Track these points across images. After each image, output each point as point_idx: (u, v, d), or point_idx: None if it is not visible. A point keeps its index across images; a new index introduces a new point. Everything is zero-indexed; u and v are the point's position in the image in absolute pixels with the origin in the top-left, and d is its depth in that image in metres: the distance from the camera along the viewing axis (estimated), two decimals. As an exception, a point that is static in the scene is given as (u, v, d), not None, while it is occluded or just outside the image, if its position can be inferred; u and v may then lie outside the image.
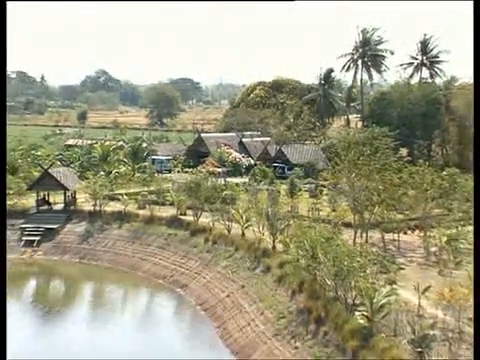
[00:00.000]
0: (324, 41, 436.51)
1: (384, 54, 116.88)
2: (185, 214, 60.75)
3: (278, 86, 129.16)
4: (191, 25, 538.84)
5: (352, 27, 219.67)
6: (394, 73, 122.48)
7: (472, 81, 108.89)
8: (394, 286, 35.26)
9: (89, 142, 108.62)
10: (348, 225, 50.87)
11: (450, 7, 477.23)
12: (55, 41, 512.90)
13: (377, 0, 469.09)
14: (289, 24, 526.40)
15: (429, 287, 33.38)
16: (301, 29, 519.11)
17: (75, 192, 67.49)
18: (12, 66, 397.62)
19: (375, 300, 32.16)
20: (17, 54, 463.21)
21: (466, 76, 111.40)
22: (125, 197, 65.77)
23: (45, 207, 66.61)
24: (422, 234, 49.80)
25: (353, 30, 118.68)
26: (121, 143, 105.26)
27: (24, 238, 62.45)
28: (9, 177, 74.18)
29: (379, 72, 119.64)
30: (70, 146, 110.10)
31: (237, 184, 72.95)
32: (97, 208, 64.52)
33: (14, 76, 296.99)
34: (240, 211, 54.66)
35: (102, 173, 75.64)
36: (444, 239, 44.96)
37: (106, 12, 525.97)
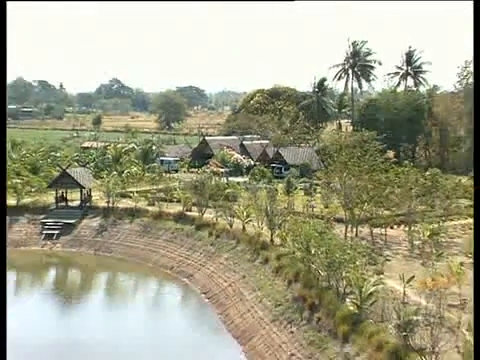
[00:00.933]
0: (318, 52, 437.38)
1: (372, 64, 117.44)
2: (191, 210, 60.77)
3: (276, 93, 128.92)
4: (197, 38, 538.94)
5: (344, 40, 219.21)
6: (382, 82, 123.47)
7: (452, 90, 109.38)
8: (381, 276, 35.29)
9: (103, 144, 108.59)
10: (340, 220, 50.76)
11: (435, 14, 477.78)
12: (73, 52, 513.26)
13: (367, 11, 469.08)
14: (286, 37, 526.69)
15: (413, 277, 33.36)
16: (296, 42, 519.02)
17: (90, 190, 67.54)
18: (34, 75, 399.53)
19: (364, 289, 32.22)
20: (39, 64, 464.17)
21: (447, 85, 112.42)
22: (136, 195, 65.86)
23: (63, 203, 66.63)
24: (407, 229, 49.81)
25: (344, 42, 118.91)
26: (132, 145, 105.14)
27: (44, 232, 62.57)
28: (31, 176, 74.37)
29: (368, 81, 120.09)
30: (86, 148, 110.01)
31: (238, 183, 72.98)
32: (110, 204, 64.58)
33: (36, 84, 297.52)
34: (241, 208, 54.78)
35: (115, 173, 75.58)
36: (427, 233, 44.96)
37: (120, 26, 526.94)
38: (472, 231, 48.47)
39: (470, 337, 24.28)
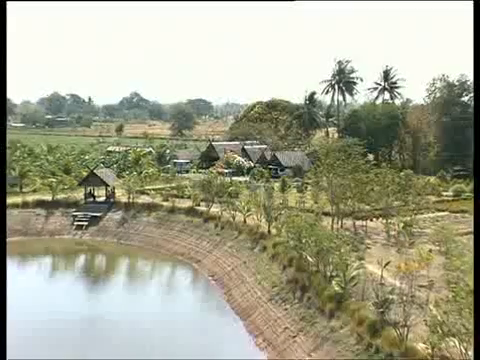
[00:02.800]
0: (309, 70, 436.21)
1: (355, 81, 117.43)
2: (199, 205, 60.59)
3: (273, 105, 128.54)
4: (205, 58, 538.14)
5: (331, 60, 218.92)
6: (363, 95, 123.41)
7: (422, 102, 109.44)
8: (362, 261, 35.34)
9: (125, 149, 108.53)
10: (327, 214, 50.52)
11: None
12: (100, 70, 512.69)
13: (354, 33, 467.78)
14: (281, 57, 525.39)
15: (389, 262, 33.36)
16: (291, 60, 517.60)
17: (114, 188, 67.48)
18: (67, 90, 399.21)
19: (347, 272, 32.32)
20: (71, 80, 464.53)
21: (418, 99, 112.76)
22: (152, 192, 65.80)
23: (91, 199, 66.60)
24: (384, 221, 49.64)
25: (331, 62, 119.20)
26: (150, 150, 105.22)
27: (75, 223, 62.51)
28: (64, 175, 74.53)
29: (351, 95, 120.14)
30: (110, 152, 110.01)
31: (240, 182, 72.84)
32: (131, 200, 64.47)
33: (69, 98, 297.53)
34: (242, 203, 54.65)
35: (135, 173, 75.63)
36: (401, 225, 45.00)
37: (139, 47, 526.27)
38: (439, 222, 48.85)
39: (436, 312, 24.36)
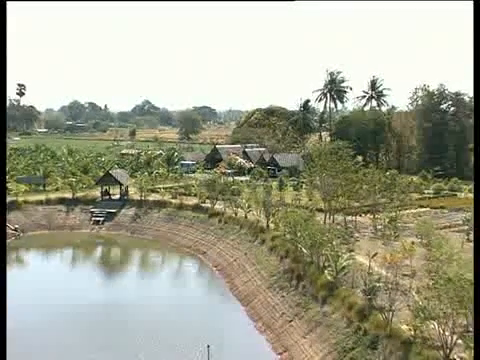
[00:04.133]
0: (304, 79, 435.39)
1: (345, 90, 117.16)
2: (205, 202, 60.48)
3: (271, 111, 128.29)
4: (210, 69, 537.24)
5: (323, 70, 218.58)
6: (352, 103, 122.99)
7: (405, 109, 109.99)
8: (352, 253, 35.28)
9: (137, 151, 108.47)
10: (320, 210, 50.53)
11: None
12: (115, 80, 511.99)
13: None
14: (278, 67, 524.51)
15: (376, 253, 33.39)
16: (287, 71, 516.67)
17: (127, 186, 67.46)
18: (86, 98, 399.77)
19: (338, 263, 32.43)
20: (89, 90, 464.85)
21: (401, 106, 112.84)
22: (162, 190, 65.76)
23: (107, 197, 66.58)
24: (372, 216, 49.75)
25: (324, 72, 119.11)
26: (160, 152, 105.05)
27: (93, 218, 62.56)
28: (82, 175, 74.60)
29: (342, 102, 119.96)
30: (124, 154, 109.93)
31: (241, 181, 72.76)
32: (143, 198, 64.36)
33: (87, 106, 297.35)
34: (243, 200, 54.62)
35: (146, 173, 75.66)
36: (387, 220, 44.89)
37: (149, 59, 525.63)
38: (421, 217, 48.86)
39: (418, 298, 24.47)
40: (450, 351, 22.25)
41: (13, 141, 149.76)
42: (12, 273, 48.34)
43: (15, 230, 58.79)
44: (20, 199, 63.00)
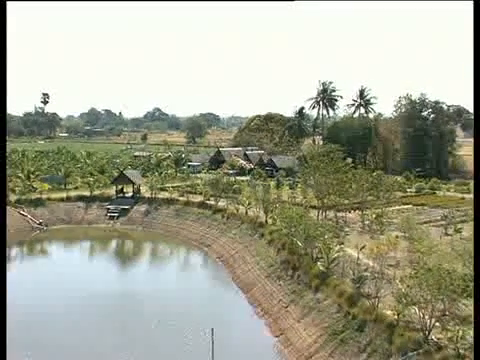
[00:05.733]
0: (299, 88, 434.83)
1: (336, 98, 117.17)
2: (209, 200, 60.26)
3: (269, 118, 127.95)
4: (214, 79, 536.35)
5: (316, 80, 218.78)
6: (343, 110, 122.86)
7: (390, 116, 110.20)
8: (342, 246, 35.32)
9: (148, 154, 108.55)
10: (314, 207, 50.31)
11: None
12: (128, 89, 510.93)
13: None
14: (275, 77, 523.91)
15: (364, 246, 33.43)
16: (283, 80, 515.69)
17: (140, 185, 67.33)
18: (103, 105, 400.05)
19: (330, 255, 32.49)
20: (105, 98, 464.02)
21: (387, 113, 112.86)
22: (171, 189, 65.56)
23: (121, 195, 66.53)
24: (360, 213, 49.67)
25: (317, 83, 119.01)
26: (169, 154, 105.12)
27: (108, 214, 62.48)
28: (99, 175, 74.63)
29: (333, 109, 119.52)
30: (137, 156, 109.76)
31: (242, 181, 72.79)
32: (153, 196, 64.23)
33: (103, 112, 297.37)
34: (244, 198, 54.52)
35: (156, 173, 75.65)
36: (374, 216, 44.83)
37: (159, 70, 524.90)
38: (405, 214, 48.91)
39: (401, 286, 24.58)
40: (429, 333, 22.40)
41: (38, 144, 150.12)
42: (38, 262, 48.81)
43: (40, 224, 59.06)
44: (44, 196, 63.30)
